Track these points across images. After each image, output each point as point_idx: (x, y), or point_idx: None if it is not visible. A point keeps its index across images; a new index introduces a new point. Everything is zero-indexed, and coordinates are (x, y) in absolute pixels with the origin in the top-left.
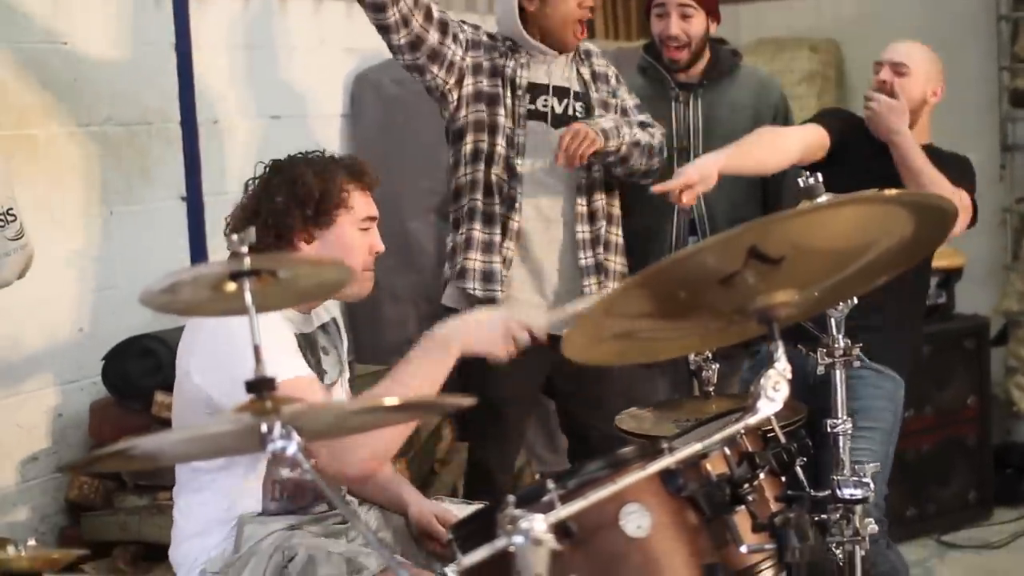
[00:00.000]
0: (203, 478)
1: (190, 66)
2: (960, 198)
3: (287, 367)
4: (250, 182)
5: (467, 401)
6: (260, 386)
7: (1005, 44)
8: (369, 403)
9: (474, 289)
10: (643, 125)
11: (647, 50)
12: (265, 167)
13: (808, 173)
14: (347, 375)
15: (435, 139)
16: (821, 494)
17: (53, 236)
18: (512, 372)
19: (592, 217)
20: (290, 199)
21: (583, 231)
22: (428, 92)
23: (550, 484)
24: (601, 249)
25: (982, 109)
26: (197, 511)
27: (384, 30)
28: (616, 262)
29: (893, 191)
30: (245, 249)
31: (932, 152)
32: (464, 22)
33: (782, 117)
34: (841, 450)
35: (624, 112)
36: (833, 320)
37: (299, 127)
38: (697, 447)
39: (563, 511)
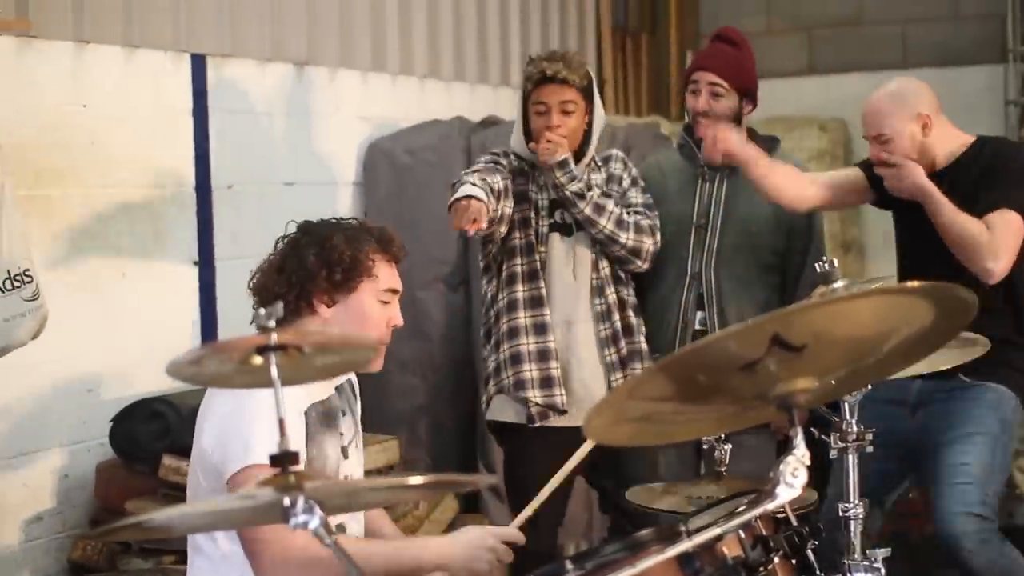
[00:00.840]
0: (218, 546)
1: (206, 130)
2: (1006, 220)
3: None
4: (280, 240)
5: (489, 480)
6: (284, 460)
7: (1013, 128)
8: (387, 482)
9: (535, 397)
10: (635, 208)
11: (687, 129)
12: (297, 227)
13: (825, 259)
14: (360, 436)
15: (444, 210)
16: None
17: (66, 297)
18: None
19: (608, 314)
20: (317, 260)
21: (604, 329)
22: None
23: (568, 565)
24: (623, 343)
25: None
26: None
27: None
28: (642, 343)
29: (916, 283)
30: (272, 323)
31: (978, 145)
32: (498, 156)
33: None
34: (852, 534)
35: (626, 201)
36: (847, 405)
37: (312, 194)
38: (715, 531)
39: None
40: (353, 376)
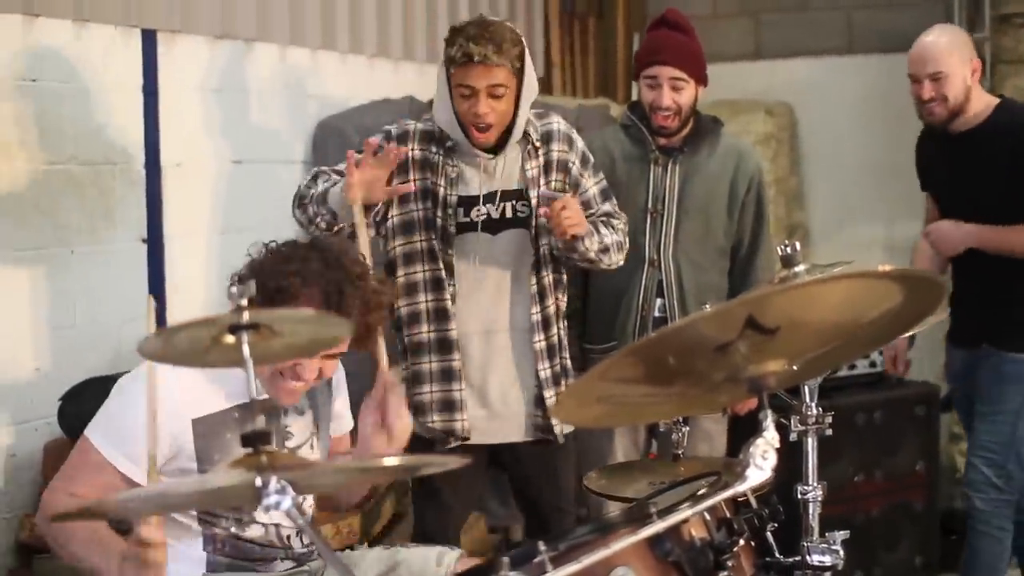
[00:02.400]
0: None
1: (156, 108)
2: None
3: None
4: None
5: (462, 462)
6: (256, 440)
7: None
8: (362, 463)
9: (434, 422)
10: (607, 217)
11: (632, 109)
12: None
13: (787, 241)
14: (324, 434)
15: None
16: (792, 559)
17: (13, 273)
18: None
19: (547, 325)
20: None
21: (540, 340)
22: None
23: (541, 546)
24: (557, 359)
25: None
26: None
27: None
28: (568, 360)
29: (887, 267)
30: (245, 302)
31: (1005, 110)
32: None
33: (756, 188)
34: (811, 517)
35: (587, 204)
36: (807, 388)
37: (261, 172)
38: (687, 513)
39: (557, 573)
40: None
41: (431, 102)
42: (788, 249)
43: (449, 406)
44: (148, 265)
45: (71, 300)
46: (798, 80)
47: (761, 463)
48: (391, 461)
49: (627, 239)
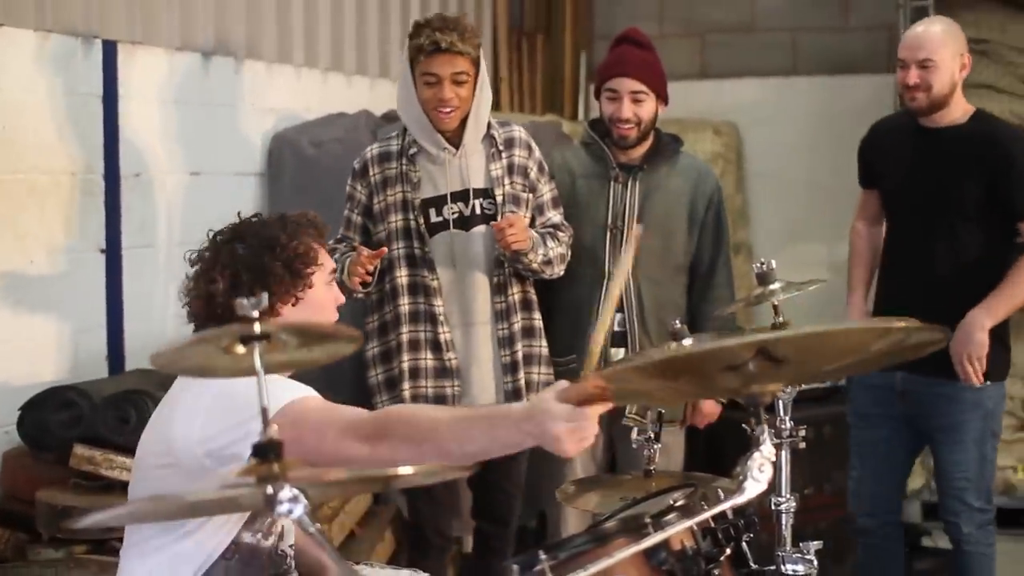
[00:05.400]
0: (155, 541)
1: (116, 118)
2: None
3: (295, 390)
4: (199, 252)
5: (463, 473)
6: (267, 450)
7: None
8: (375, 472)
9: (426, 387)
10: (555, 229)
11: (593, 126)
12: (218, 235)
13: (763, 260)
14: None
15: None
16: (767, 569)
17: None
18: None
19: (507, 314)
20: (277, 262)
21: (502, 328)
22: None
23: (541, 555)
24: (519, 345)
25: None
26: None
27: None
28: (543, 346)
29: (902, 323)
30: (256, 313)
31: (982, 118)
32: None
33: (715, 207)
34: (784, 527)
35: (540, 209)
36: (781, 402)
37: (218, 184)
38: (686, 523)
39: None
40: None
41: (385, 116)
42: (764, 267)
43: (443, 401)
44: (106, 275)
45: (30, 309)
46: (744, 100)
47: (758, 476)
48: (405, 470)
49: (570, 251)
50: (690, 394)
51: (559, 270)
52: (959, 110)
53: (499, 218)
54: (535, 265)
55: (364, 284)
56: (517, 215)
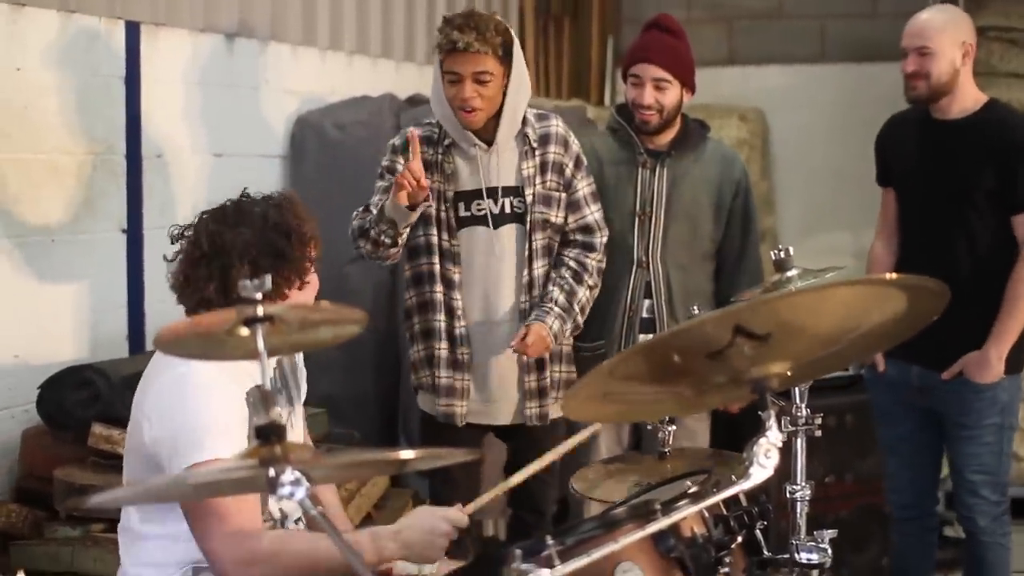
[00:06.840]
0: (156, 523)
1: (138, 99)
2: None
3: (210, 448)
4: (203, 238)
5: (471, 456)
6: (269, 432)
7: None
8: (376, 456)
9: (439, 403)
10: (586, 232)
11: (620, 112)
12: (209, 218)
13: (780, 247)
14: (298, 413)
15: (372, 184)
16: (781, 556)
17: None
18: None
19: (532, 312)
20: (290, 242)
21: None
22: None
23: (549, 540)
24: None
25: None
26: (147, 555)
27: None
28: (565, 344)
29: (881, 276)
30: (259, 295)
31: (995, 108)
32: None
33: (743, 193)
34: (799, 515)
35: (576, 205)
36: (797, 390)
37: (241, 166)
38: (692, 509)
39: (566, 567)
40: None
41: (409, 100)
42: (781, 254)
43: (452, 392)
44: (127, 255)
45: (51, 289)
46: (770, 87)
47: (764, 462)
48: (408, 454)
49: (602, 267)
50: (692, 399)
51: (590, 306)
52: (970, 99)
53: (528, 217)
54: (567, 333)
55: (412, 204)
56: (531, 327)
